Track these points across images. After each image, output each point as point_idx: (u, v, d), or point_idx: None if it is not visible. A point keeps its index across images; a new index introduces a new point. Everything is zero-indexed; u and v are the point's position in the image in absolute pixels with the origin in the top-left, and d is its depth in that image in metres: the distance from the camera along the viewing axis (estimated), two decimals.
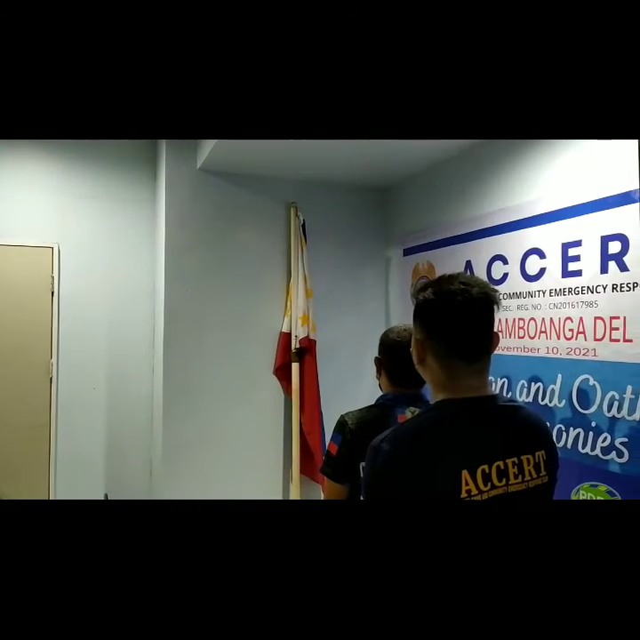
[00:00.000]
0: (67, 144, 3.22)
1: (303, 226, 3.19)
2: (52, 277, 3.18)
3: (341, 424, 1.51)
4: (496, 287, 1.12)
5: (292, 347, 3.12)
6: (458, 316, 1.01)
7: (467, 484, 0.94)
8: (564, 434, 2.10)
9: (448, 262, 2.80)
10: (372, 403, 1.57)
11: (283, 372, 3.21)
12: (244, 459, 3.14)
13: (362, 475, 1.22)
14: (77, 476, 3.20)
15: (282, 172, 3.14)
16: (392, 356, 1.54)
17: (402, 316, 3.20)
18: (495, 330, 1.05)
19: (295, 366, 3.12)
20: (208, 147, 2.80)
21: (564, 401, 2.12)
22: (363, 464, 1.09)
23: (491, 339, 1.04)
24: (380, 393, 1.61)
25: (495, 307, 1.04)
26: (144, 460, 3.34)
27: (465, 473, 0.95)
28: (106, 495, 3.17)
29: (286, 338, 3.17)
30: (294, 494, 3.09)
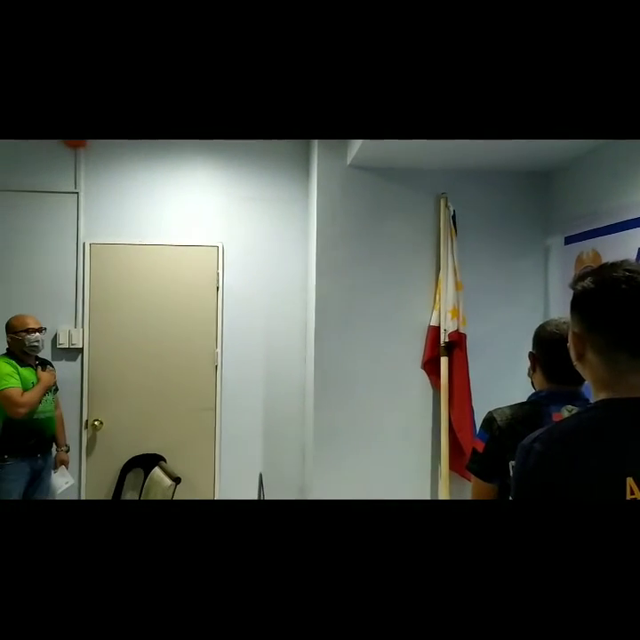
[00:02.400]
0: (231, 149, 3.49)
1: (453, 216, 3.11)
2: (218, 274, 3.48)
3: (489, 420, 1.47)
4: None
5: (441, 340, 3.07)
6: (622, 305, 0.92)
7: (632, 492, 0.86)
8: None
9: (616, 250, 2.54)
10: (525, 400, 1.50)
11: (431, 367, 3.17)
12: (392, 451, 3.17)
13: (511, 474, 1.17)
14: (238, 455, 3.49)
15: (431, 163, 3.09)
16: (548, 350, 1.45)
17: (564, 310, 2.97)
18: None
19: (444, 360, 3.06)
20: (357, 143, 2.85)
21: None
22: (513, 463, 1.05)
23: None
24: (534, 390, 1.52)
25: None
26: (297, 445, 3.52)
27: (630, 480, 0.87)
28: (261, 475, 3.40)
29: (435, 331, 3.12)
30: (443, 490, 3.04)
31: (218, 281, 3.48)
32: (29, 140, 3.33)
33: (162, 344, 3.44)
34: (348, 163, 3.11)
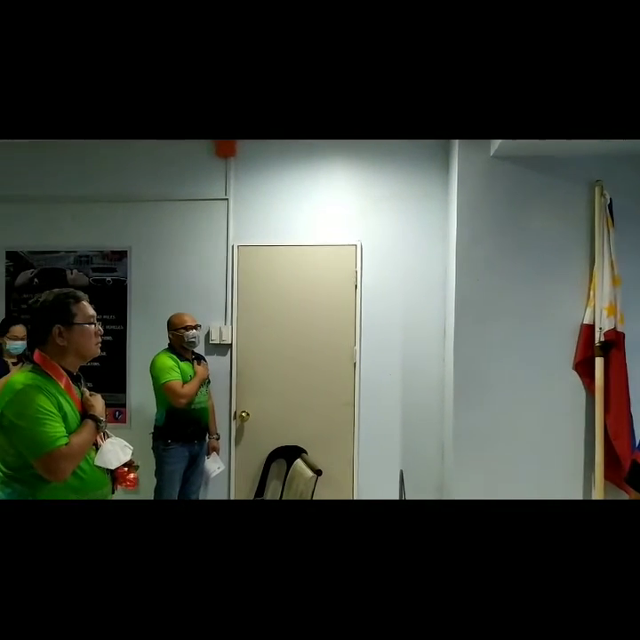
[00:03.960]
0: (367, 149, 3.52)
1: (610, 205, 2.86)
2: (356, 272, 3.53)
3: None
4: None
5: (596, 340, 2.84)
6: None
7: None
8: None
9: None
10: None
11: (584, 368, 2.95)
12: (539, 455, 3.00)
13: None
14: (377, 450, 3.52)
15: (583, 149, 2.87)
16: None
17: None
18: None
19: (599, 361, 2.84)
20: None
21: None
22: None
23: None
24: None
25: None
26: (436, 444, 3.47)
27: None
28: (401, 472, 3.40)
29: (588, 330, 2.90)
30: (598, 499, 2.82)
31: (356, 279, 3.53)
32: (187, 154, 3.64)
33: (303, 340, 3.58)
34: (491, 154, 3.00)
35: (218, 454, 3.48)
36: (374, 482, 3.50)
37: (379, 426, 3.52)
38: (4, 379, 3.14)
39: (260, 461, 3.59)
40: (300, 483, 2.97)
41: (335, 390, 3.57)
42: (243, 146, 3.63)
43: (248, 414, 3.65)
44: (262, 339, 3.63)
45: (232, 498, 3.61)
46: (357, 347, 3.54)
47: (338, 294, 3.56)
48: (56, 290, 1.84)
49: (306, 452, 3.41)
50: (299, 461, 3.17)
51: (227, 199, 3.65)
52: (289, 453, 3.48)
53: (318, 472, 2.88)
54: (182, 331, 3.27)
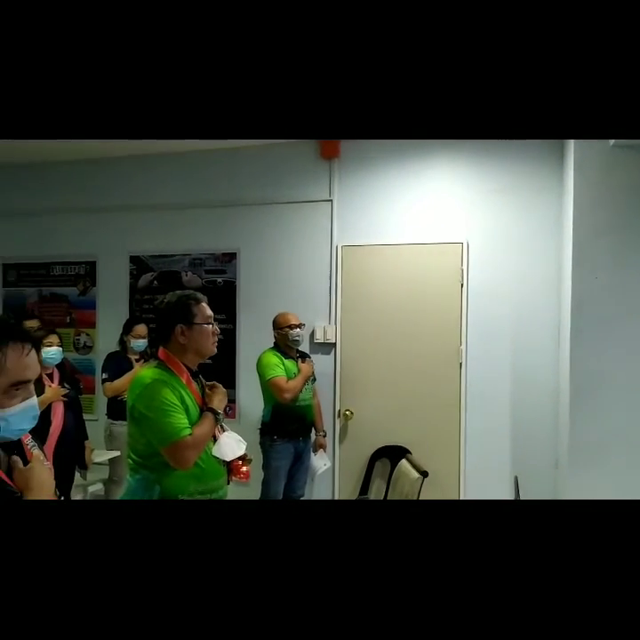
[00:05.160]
0: (471, 141, 3.41)
1: None
2: (462, 270, 3.45)
3: None
4: None
5: None
6: None
7: None
8: None
9: None
10: None
11: None
12: None
13: None
14: (486, 454, 3.41)
15: None
16: None
17: None
18: None
19: None
20: None
21: None
22: None
23: None
24: None
25: None
26: (549, 451, 3.30)
27: None
28: (516, 478, 3.26)
29: None
30: None
31: (462, 278, 3.45)
32: (292, 157, 3.74)
33: (407, 340, 3.55)
34: (612, 143, 2.79)
35: (325, 451, 3.53)
36: (483, 486, 3.39)
37: (487, 429, 3.41)
38: (132, 373, 3.42)
39: (364, 460, 3.61)
40: (406, 483, 2.94)
41: (439, 391, 3.50)
42: (346, 146, 3.67)
43: (352, 413, 3.68)
44: (366, 338, 3.64)
45: (337, 496, 3.66)
46: (463, 347, 3.45)
47: (443, 293, 3.49)
48: (178, 292, 1.97)
49: (410, 453, 3.38)
50: (404, 462, 3.14)
51: (331, 200, 3.70)
52: (393, 453, 3.47)
53: (424, 473, 2.84)
54: (286, 329, 3.36)
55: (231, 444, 1.94)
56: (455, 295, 3.47)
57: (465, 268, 3.44)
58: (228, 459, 1.92)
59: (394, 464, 3.33)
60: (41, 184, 4.28)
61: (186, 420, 1.78)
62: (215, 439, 1.90)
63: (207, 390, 1.93)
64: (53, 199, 4.23)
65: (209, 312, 1.97)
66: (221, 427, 1.95)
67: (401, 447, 3.48)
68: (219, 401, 1.90)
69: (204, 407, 1.88)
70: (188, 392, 1.85)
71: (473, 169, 3.45)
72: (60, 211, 4.21)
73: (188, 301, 1.92)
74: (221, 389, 1.95)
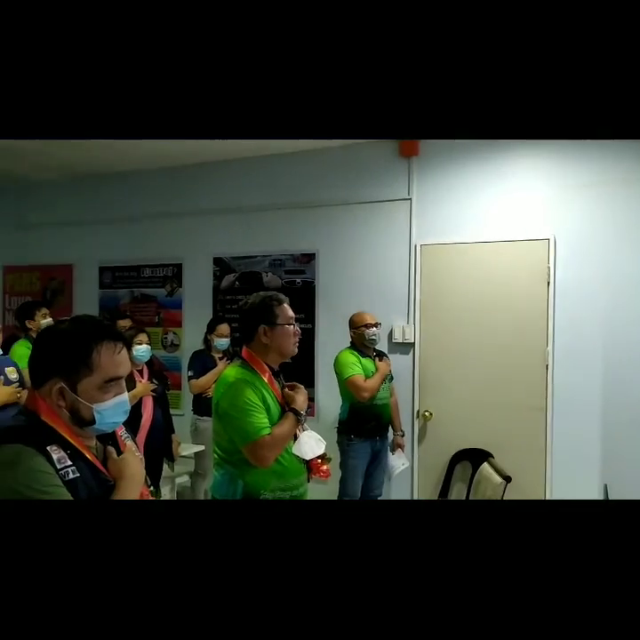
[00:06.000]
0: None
1: None
2: (548, 268, 3.30)
3: None
4: None
5: None
6: None
7: None
8: None
9: None
10: None
11: None
12: None
13: None
14: (573, 461, 3.25)
15: None
16: None
17: None
18: None
19: None
20: None
21: None
22: None
23: None
24: None
25: None
26: None
27: None
28: (606, 486, 3.09)
29: None
30: None
31: (549, 276, 3.30)
32: (371, 157, 3.74)
33: (489, 340, 3.45)
34: None
35: (403, 451, 3.51)
36: (570, 494, 3.23)
37: (575, 435, 3.25)
38: (217, 370, 3.56)
39: (444, 462, 3.55)
40: (488, 488, 2.87)
41: (523, 394, 3.37)
42: (426, 144, 3.61)
43: (431, 414, 3.62)
44: (446, 338, 3.58)
45: (416, 496, 3.62)
46: (550, 348, 3.30)
47: (528, 292, 3.36)
48: (262, 293, 2.03)
49: (492, 457, 3.29)
50: (486, 465, 3.06)
51: (410, 199, 3.66)
52: (474, 456, 3.39)
53: (507, 478, 2.75)
54: (363, 328, 3.36)
55: (311, 443, 1.97)
56: (541, 294, 3.32)
57: (552, 265, 3.30)
58: (307, 457, 1.95)
59: (475, 467, 3.25)
60: (134, 192, 4.54)
61: (266, 420, 1.82)
62: (296, 438, 1.94)
63: (286, 390, 1.97)
64: (145, 206, 4.47)
65: (291, 313, 2.01)
66: (302, 426, 1.99)
67: (482, 450, 3.38)
68: (301, 401, 1.93)
69: (286, 406, 1.92)
70: (269, 391, 1.90)
71: (556, 164, 3.29)
72: (149, 216, 4.45)
73: (270, 303, 1.97)
74: (303, 390, 1.98)
